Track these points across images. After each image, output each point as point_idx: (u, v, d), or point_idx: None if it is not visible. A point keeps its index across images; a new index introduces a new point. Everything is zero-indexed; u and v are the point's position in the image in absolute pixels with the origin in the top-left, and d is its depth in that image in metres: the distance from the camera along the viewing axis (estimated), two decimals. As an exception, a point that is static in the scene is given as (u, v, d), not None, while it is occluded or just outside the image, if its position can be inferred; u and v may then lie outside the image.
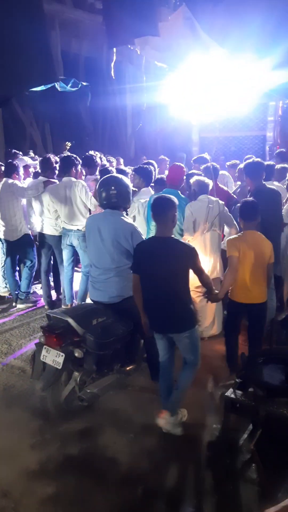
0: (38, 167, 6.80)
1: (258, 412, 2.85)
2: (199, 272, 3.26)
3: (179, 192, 4.74)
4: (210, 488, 2.83)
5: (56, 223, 5.44)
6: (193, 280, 4.42)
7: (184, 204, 4.61)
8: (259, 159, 4.93)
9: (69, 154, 5.92)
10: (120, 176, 3.76)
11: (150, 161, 6.12)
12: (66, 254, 5.47)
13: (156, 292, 3.18)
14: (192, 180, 4.82)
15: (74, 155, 5.51)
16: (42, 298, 5.92)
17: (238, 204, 4.47)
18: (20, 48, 2.20)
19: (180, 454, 3.10)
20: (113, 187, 3.57)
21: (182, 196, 4.74)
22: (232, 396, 2.97)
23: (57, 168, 5.55)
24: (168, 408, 3.27)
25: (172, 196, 3.29)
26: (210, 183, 4.71)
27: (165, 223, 3.18)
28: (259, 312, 3.76)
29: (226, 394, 3.01)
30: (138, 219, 4.92)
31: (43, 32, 2.29)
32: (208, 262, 4.70)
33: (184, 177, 5.04)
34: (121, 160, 8.47)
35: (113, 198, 3.57)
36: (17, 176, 5.73)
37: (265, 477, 2.81)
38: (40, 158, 5.92)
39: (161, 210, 3.19)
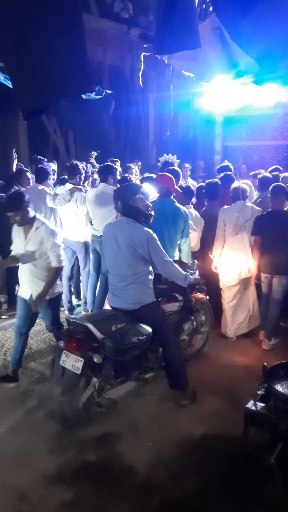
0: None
1: (279, 426, 2.80)
2: None
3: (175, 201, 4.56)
4: (227, 501, 2.79)
5: (81, 230, 5.49)
6: (225, 280, 4.82)
7: (183, 212, 4.43)
8: None
9: (109, 163, 5.99)
10: (133, 185, 3.77)
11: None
12: (93, 259, 5.53)
13: (270, 249, 4.63)
14: (232, 187, 5.09)
15: (114, 165, 5.61)
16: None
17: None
18: (58, 58, 2.23)
19: (198, 466, 3.06)
20: (117, 197, 3.59)
21: (179, 205, 4.51)
22: (253, 408, 2.92)
23: (83, 174, 5.61)
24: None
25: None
26: (248, 190, 5.05)
27: (279, 202, 4.70)
28: None
29: (246, 406, 2.96)
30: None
31: (82, 42, 2.31)
32: (238, 264, 4.85)
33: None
34: (137, 167, 8.37)
35: (118, 207, 3.60)
36: (48, 182, 5.79)
37: (285, 493, 2.74)
38: (68, 165, 5.97)
39: (277, 194, 4.72)
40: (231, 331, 5.01)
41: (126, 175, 6.57)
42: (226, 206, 5.01)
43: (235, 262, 4.89)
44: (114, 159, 7.17)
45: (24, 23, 2.19)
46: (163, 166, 6.85)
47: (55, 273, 3.90)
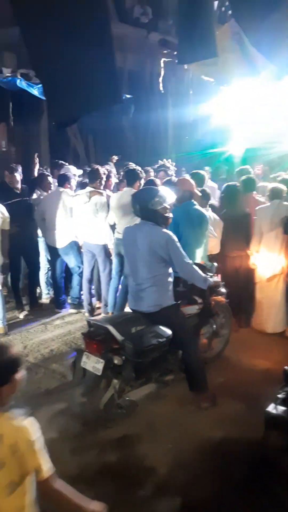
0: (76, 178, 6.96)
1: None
2: None
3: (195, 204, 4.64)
4: (247, 505, 2.78)
5: (100, 233, 5.56)
6: (262, 274, 5.08)
7: (205, 215, 4.56)
8: None
9: (132, 167, 6.06)
10: (151, 188, 3.83)
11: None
12: (116, 263, 5.60)
13: None
14: (268, 188, 5.30)
15: (140, 169, 5.69)
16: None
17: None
18: (88, 71, 2.29)
19: (218, 469, 3.06)
20: (135, 201, 3.66)
21: (200, 208, 4.62)
22: (273, 412, 2.92)
23: (104, 179, 5.71)
24: None
25: None
26: (285, 189, 5.17)
27: None
28: None
29: (267, 410, 2.96)
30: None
31: (111, 56, 2.36)
32: (273, 260, 5.02)
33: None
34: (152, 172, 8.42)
35: (136, 211, 3.67)
36: (68, 186, 5.93)
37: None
38: (89, 169, 6.08)
39: None
40: (266, 326, 5.18)
41: (153, 178, 6.61)
42: (263, 205, 5.17)
43: (270, 258, 5.06)
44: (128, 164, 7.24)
45: (56, 36, 2.26)
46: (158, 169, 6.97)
47: None
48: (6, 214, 4.97)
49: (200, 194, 4.87)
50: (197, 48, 3.00)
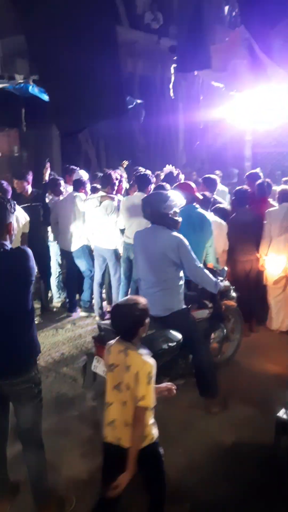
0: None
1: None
2: None
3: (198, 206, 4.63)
4: (257, 509, 2.77)
5: (111, 237, 5.59)
6: (271, 276, 5.08)
7: (208, 218, 4.53)
8: None
9: (143, 172, 6.09)
10: (161, 192, 3.85)
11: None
12: (124, 268, 5.62)
13: None
14: (278, 190, 5.33)
15: (150, 174, 5.73)
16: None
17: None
18: (94, 81, 2.31)
19: (228, 473, 3.06)
20: (146, 205, 3.67)
21: (203, 211, 4.61)
22: (284, 417, 2.90)
23: (116, 184, 5.76)
24: None
25: None
26: None
27: None
28: None
29: (277, 415, 2.95)
30: None
31: (118, 66, 2.38)
32: (281, 263, 5.06)
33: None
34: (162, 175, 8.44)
35: (147, 215, 3.68)
36: (83, 191, 6.00)
37: None
38: (101, 174, 6.13)
39: None
40: (277, 325, 5.29)
41: (164, 183, 6.62)
42: (272, 208, 5.20)
43: (279, 261, 5.09)
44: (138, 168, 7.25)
45: (62, 45, 2.28)
46: (165, 177, 6.96)
47: None
48: (28, 217, 5.05)
49: (201, 197, 4.86)
50: (193, 59, 3.06)
